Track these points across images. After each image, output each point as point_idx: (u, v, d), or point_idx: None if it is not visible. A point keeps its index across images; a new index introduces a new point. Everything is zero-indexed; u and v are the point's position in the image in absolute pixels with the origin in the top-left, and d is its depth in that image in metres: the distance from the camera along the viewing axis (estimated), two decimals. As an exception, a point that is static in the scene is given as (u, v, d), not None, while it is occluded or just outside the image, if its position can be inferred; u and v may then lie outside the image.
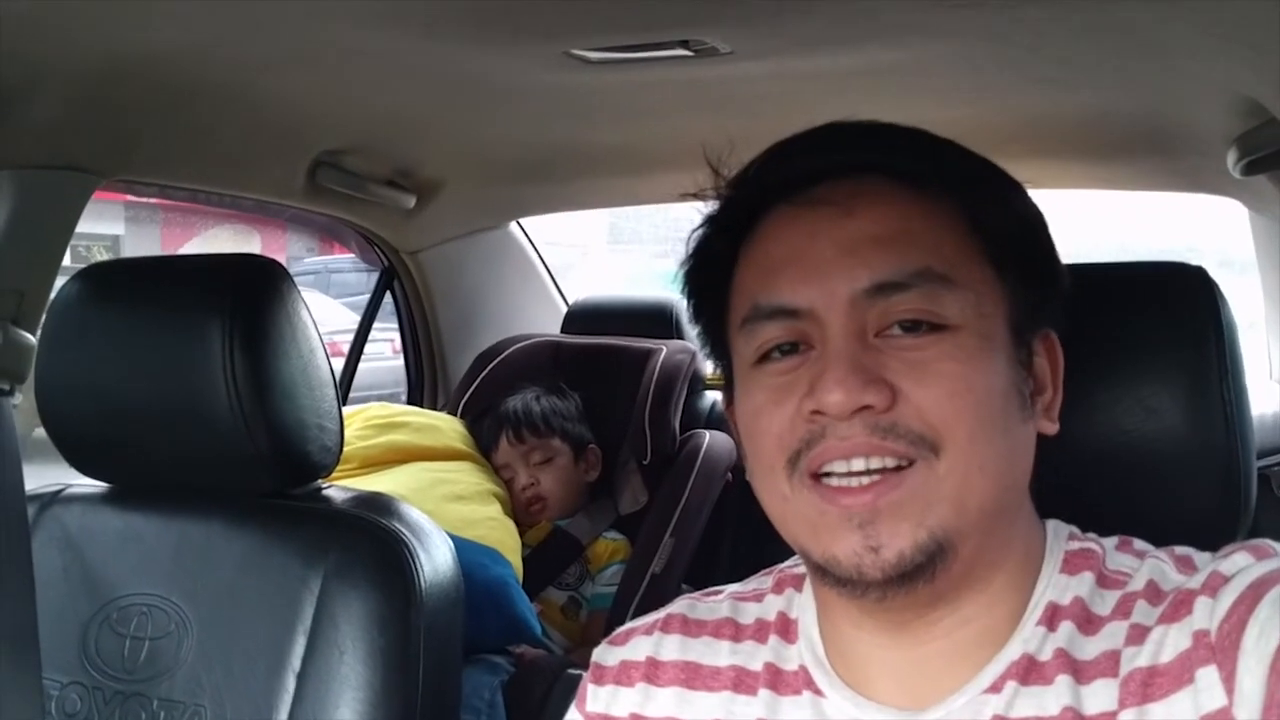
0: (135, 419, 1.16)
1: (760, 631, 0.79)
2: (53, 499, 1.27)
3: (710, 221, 0.75)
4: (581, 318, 2.34)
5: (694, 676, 0.78)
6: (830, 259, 0.68)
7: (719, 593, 0.84)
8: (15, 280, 1.35)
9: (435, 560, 1.15)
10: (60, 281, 1.30)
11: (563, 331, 2.34)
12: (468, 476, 1.85)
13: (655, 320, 2.25)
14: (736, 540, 2.02)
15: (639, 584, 1.80)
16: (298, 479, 1.19)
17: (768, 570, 0.85)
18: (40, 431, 1.26)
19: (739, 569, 0.86)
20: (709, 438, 2.00)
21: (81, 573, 1.21)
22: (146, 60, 1.18)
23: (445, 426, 1.96)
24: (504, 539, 1.73)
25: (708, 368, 2.24)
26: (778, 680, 0.75)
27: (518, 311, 2.45)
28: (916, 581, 0.65)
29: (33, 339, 1.34)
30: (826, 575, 0.68)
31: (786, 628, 0.77)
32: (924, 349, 0.66)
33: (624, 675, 0.81)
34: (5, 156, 1.27)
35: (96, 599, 1.19)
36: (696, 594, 0.86)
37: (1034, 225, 0.73)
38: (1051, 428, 0.72)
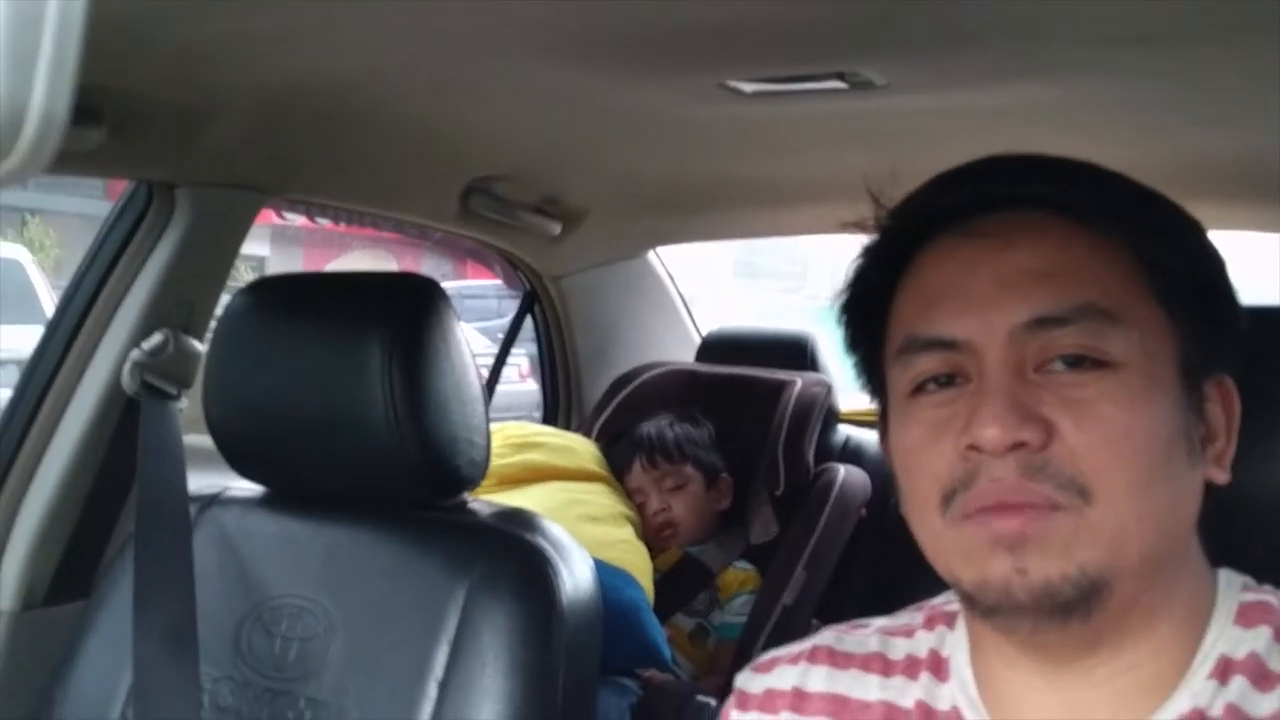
0: (294, 427, 1.21)
1: (911, 668, 0.78)
2: (213, 500, 1.33)
3: (868, 252, 0.75)
4: (717, 347, 2.35)
5: (842, 709, 0.77)
6: (989, 291, 0.67)
7: (866, 625, 0.83)
8: (187, 291, 1.43)
9: (577, 577, 1.17)
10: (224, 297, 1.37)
11: (697, 360, 2.36)
12: (602, 499, 1.87)
13: (791, 352, 2.25)
14: (868, 576, 2.00)
15: (769, 615, 1.79)
16: (446, 492, 1.23)
17: (917, 606, 0.84)
18: (192, 438, 1.32)
19: (870, 605, 0.85)
20: (844, 472, 1.98)
21: (237, 572, 1.26)
22: (316, 87, 1.25)
23: (580, 448, 1.99)
24: (636, 562, 1.75)
25: (843, 402, 2.23)
26: (930, 718, 0.74)
27: (652, 339, 2.48)
28: (1070, 618, 0.64)
29: (200, 347, 1.41)
30: (977, 604, 0.67)
31: (938, 665, 0.76)
32: (1085, 386, 0.64)
33: (768, 703, 0.80)
34: (185, 174, 1.35)
35: (250, 598, 1.24)
36: (843, 626, 0.85)
37: (1208, 263, 0.70)
38: (1222, 476, 0.69)
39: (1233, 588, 0.70)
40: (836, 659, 0.80)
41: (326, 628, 1.19)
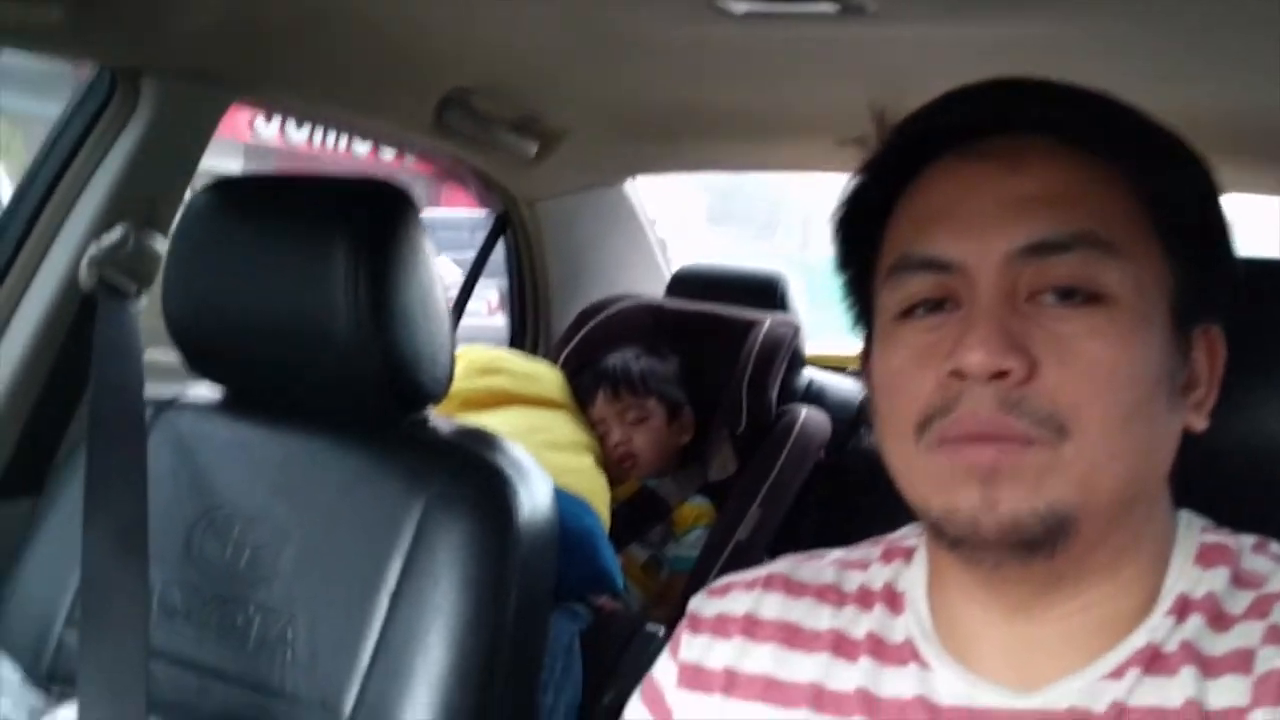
0: (253, 331, 1.18)
1: (864, 599, 0.77)
2: (169, 404, 1.30)
3: (868, 168, 0.73)
4: (686, 283, 2.33)
5: (793, 637, 0.76)
6: (989, 214, 0.65)
7: (823, 556, 0.82)
8: (150, 186, 1.39)
9: (536, 498, 1.16)
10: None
11: (667, 295, 2.34)
12: (564, 426, 1.86)
13: (761, 293, 2.23)
14: (820, 518, 2.00)
15: (722, 549, 1.79)
16: (407, 406, 1.21)
17: (874, 540, 0.83)
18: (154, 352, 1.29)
19: (820, 546, 0.85)
20: (805, 413, 1.98)
21: (190, 476, 1.24)
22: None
23: (545, 375, 1.97)
24: (595, 490, 1.74)
25: (809, 346, 2.22)
26: (881, 650, 0.73)
27: (623, 272, 2.45)
28: (1034, 556, 0.63)
29: (161, 245, 1.37)
30: (944, 534, 0.66)
31: (893, 599, 0.75)
32: (1074, 320, 0.63)
33: (720, 628, 0.79)
34: (151, 59, 1.30)
35: (203, 503, 1.22)
36: (800, 556, 0.84)
37: (1211, 205, 0.69)
38: (1200, 423, 0.69)
39: (1193, 529, 0.70)
40: (791, 587, 0.79)
41: (279, 535, 1.17)
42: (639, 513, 1.93)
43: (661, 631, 1.59)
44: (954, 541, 0.65)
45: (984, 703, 0.67)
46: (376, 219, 1.14)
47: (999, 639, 0.69)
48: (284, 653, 1.13)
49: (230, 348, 1.22)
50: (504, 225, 2.26)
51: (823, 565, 0.81)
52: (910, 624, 0.73)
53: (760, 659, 0.77)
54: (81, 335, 1.32)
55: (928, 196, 0.69)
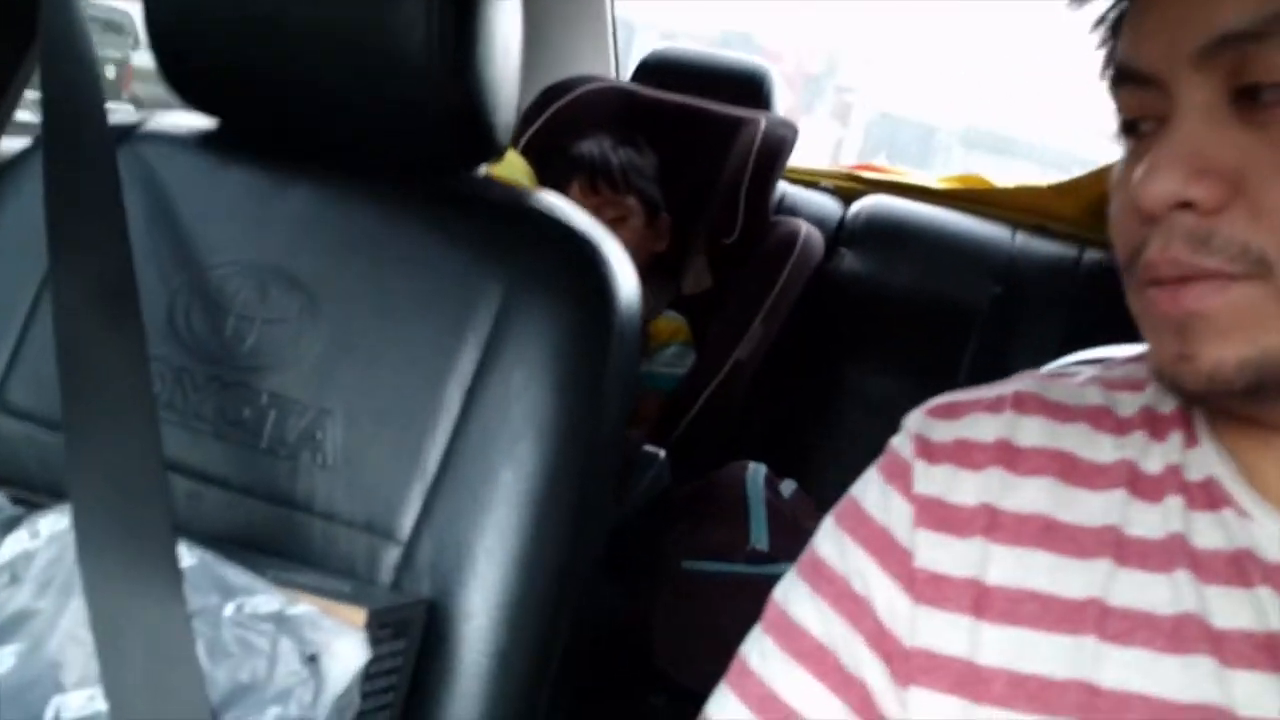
0: (280, 41, 0.89)
1: (1153, 425, 0.60)
2: (129, 132, 1.00)
3: None
4: (657, 71, 2.06)
5: (1070, 470, 0.60)
6: (1171, 7, 0.53)
7: (1074, 375, 0.66)
8: None
9: (628, 278, 0.94)
10: None
11: (634, 81, 2.07)
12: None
13: (744, 87, 1.99)
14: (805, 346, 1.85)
15: (718, 368, 1.61)
16: (474, 155, 0.95)
17: (1126, 356, 0.68)
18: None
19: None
20: (806, 228, 1.79)
21: (168, 228, 0.95)
22: None
23: (511, 159, 1.71)
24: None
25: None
26: (1184, 489, 0.57)
27: (574, 54, 2.17)
28: (1265, 395, 0.52)
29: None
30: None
31: (1187, 426, 0.59)
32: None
33: (965, 456, 0.62)
34: None
35: (187, 263, 0.94)
36: (1037, 374, 0.68)
37: None
38: None
39: None
40: (1052, 409, 0.62)
41: (301, 311, 0.91)
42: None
43: (662, 453, 1.42)
44: (1174, 394, 0.57)
45: None
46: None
47: None
48: (312, 457, 0.88)
49: (239, 63, 0.92)
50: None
51: (1079, 385, 0.64)
52: (1210, 459, 0.57)
53: (1030, 496, 0.60)
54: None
55: None
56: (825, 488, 1.74)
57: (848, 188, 2.12)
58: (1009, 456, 0.61)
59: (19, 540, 0.73)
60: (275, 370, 0.91)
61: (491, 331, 0.87)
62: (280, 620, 0.69)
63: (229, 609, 0.70)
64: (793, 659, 0.62)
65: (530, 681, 0.84)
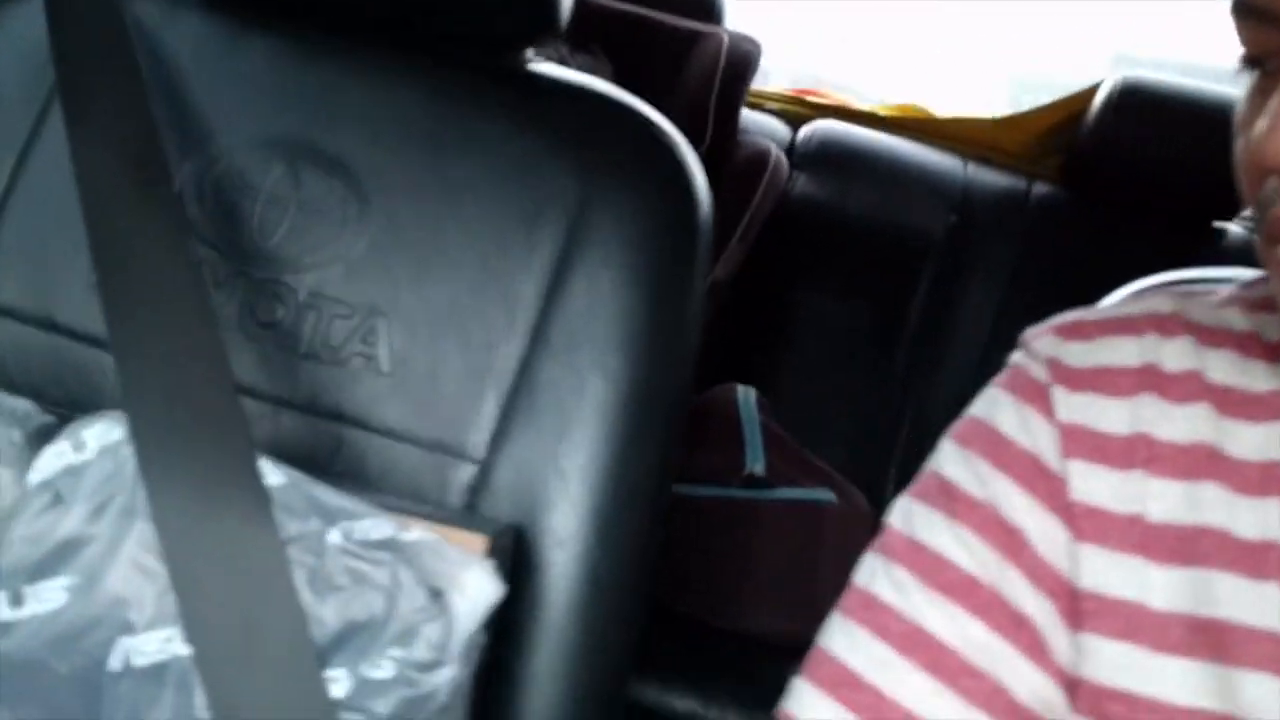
0: None
1: None
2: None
3: None
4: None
5: (1225, 401, 0.54)
6: None
7: (1208, 293, 0.59)
8: None
9: (699, 170, 0.85)
10: None
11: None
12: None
13: (691, 2, 1.89)
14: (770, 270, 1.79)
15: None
16: (531, 30, 0.84)
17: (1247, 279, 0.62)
18: None
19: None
20: (775, 148, 1.72)
21: (174, 102, 0.82)
22: None
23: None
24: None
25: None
26: None
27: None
28: None
29: None
30: None
31: None
32: None
33: (1106, 383, 0.56)
34: None
35: (199, 143, 0.81)
36: (1169, 288, 0.63)
37: None
38: None
39: None
40: (1198, 332, 0.56)
41: (345, 200, 0.80)
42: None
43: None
44: None
45: None
46: None
47: None
48: (365, 363, 0.77)
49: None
50: None
51: (1217, 306, 0.58)
52: None
53: (1189, 425, 0.54)
54: None
55: None
56: (782, 413, 1.70)
57: (794, 111, 2.05)
58: (1160, 383, 0.55)
59: (60, 453, 0.60)
60: (312, 269, 0.79)
61: (570, 226, 0.77)
62: (396, 548, 0.59)
63: (333, 535, 0.59)
64: (939, 592, 0.53)
65: (629, 610, 0.76)
